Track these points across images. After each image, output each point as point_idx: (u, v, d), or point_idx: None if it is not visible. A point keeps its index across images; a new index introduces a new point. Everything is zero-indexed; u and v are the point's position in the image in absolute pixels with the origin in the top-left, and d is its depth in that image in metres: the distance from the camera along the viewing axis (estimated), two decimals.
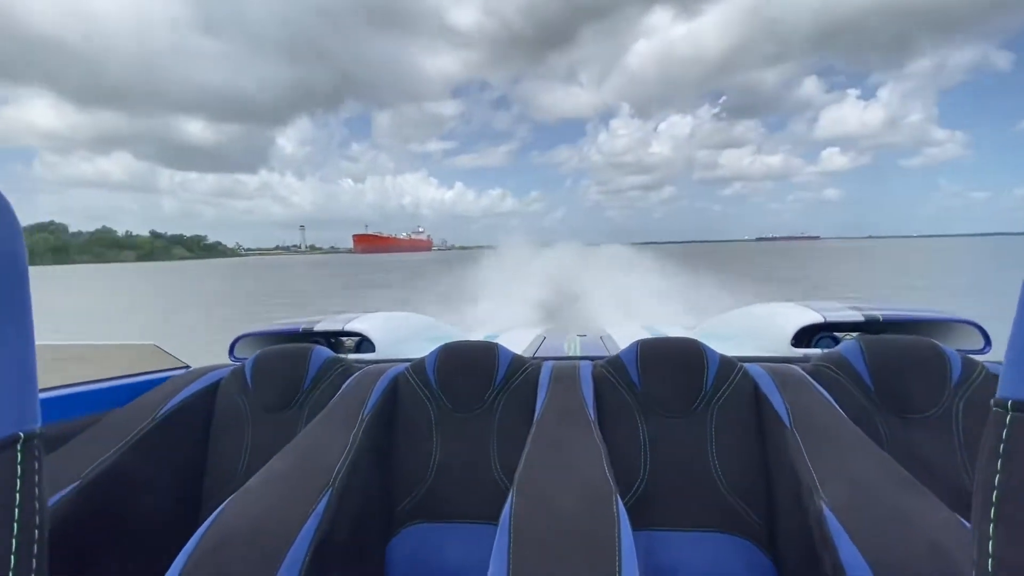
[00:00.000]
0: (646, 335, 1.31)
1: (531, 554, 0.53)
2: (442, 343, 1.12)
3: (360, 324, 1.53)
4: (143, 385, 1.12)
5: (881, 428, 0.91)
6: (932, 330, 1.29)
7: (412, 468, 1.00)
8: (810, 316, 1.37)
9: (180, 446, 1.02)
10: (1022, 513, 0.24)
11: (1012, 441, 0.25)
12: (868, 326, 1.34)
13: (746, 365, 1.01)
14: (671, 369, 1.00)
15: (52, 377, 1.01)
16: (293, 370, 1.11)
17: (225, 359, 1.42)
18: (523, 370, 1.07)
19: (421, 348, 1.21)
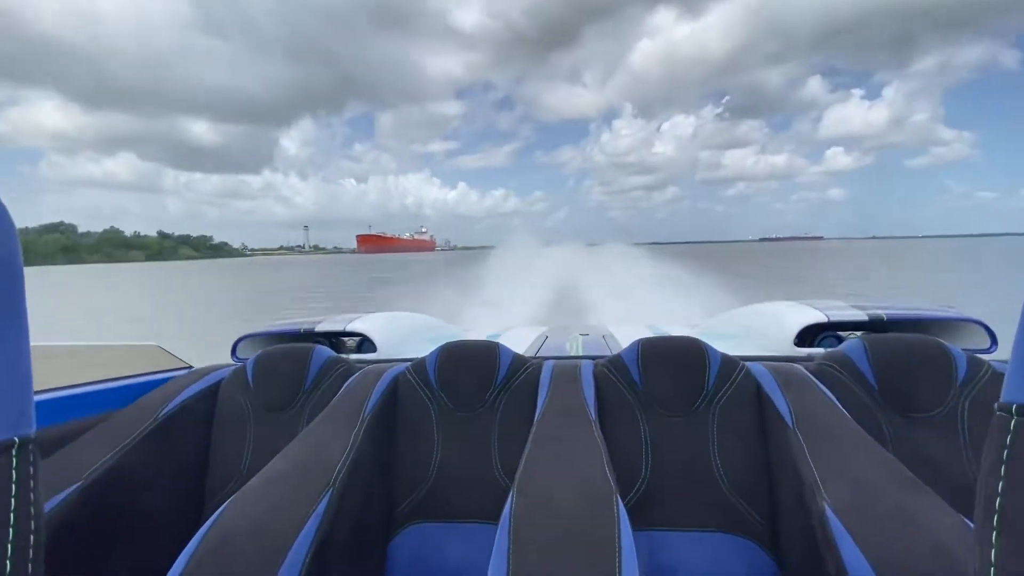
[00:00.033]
0: (649, 334, 1.32)
1: (531, 554, 0.54)
2: (443, 343, 1.12)
3: (361, 324, 1.53)
4: (146, 385, 1.12)
5: (885, 428, 0.91)
6: (937, 329, 1.28)
7: (413, 468, 1.00)
8: (813, 315, 1.36)
9: (182, 446, 1.03)
10: None
11: (1016, 447, 0.25)
12: (872, 325, 1.33)
13: (748, 364, 1.01)
14: (672, 368, 1.00)
15: (56, 378, 1.01)
16: (294, 370, 1.12)
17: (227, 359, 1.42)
18: (524, 369, 1.07)
19: (422, 348, 1.21)
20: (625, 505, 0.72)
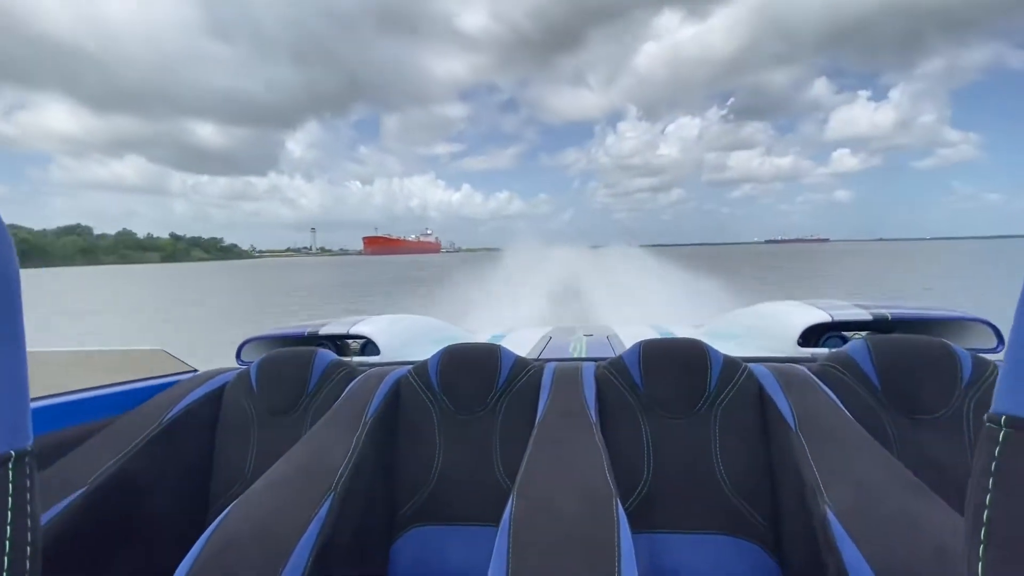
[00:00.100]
0: (653, 334, 1.38)
1: (531, 557, 0.54)
2: (445, 345, 1.13)
3: (365, 327, 1.55)
4: (151, 390, 1.13)
5: (889, 429, 0.90)
6: (942, 329, 1.28)
7: (415, 471, 1.01)
8: (817, 315, 1.36)
9: (187, 449, 1.03)
10: (1014, 535, 0.23)
11: (1005, 459, 0.24)
12: (877, 325, 1.33)
13: (751, 365, 1.00)
14: (674, 370, 1.00)
15: (63, 383, 1.02)
16: (297, 373, 1.13)
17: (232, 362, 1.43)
18: (525, 372, 1.08)
19: (425, 350, 1.21)
20: (627, 507, 0.81)
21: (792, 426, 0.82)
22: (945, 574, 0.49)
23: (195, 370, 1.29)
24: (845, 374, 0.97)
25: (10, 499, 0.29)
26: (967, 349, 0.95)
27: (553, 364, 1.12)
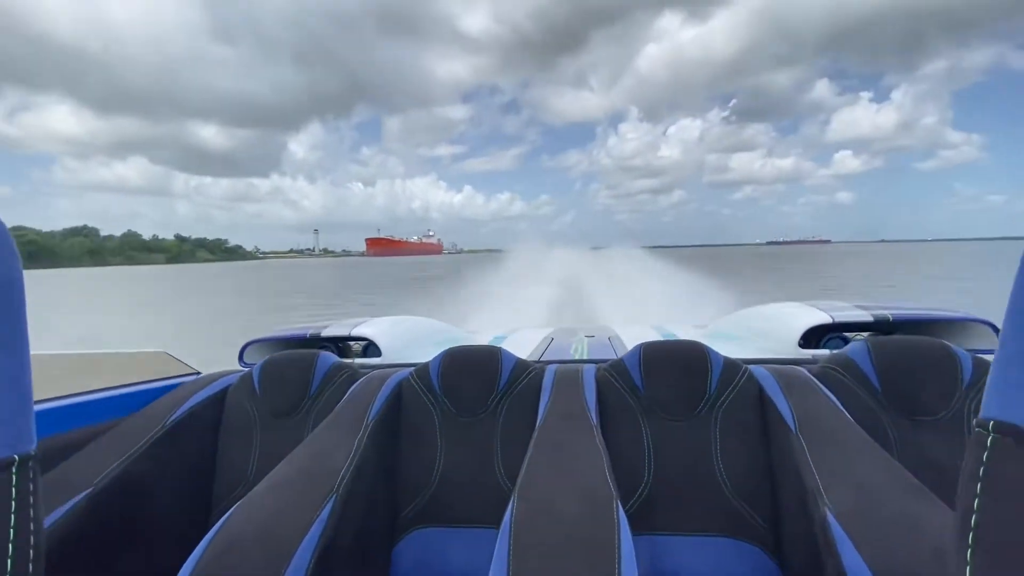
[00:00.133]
0: (655, 335, 1.42)
1: (531, 559, 0.54)
2: (447, 347, 1.13)
3: (367, 329, 1.56)
4: (154, 392, 1.14)
5: (890, 431, 0.91)
6: (944, 330, 1.28)
7: (416, 473, 1.01)
8: (818, 316, 1.36)
9: (190, 452, 1.04)
10: (1001, 540, 0.23)
11: (992, 464, 0.25)
12: (878, 326, 1.33)
13: (751, 367, 1.01)
14: (674, 372, 1.00)
15: (66, 386, 1.02)
16: (299, 376, 1.13)
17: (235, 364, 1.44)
18: (526, 374, 1.08)
19: (427, 352, 1.22)
20: (628, 509, 0.82)
21: (792, 428, 0.82)
22: None
23: (198, 372, 1.30)
24: (845, 376, 0.98)
25: (13, 503, 0.30)
26: (969, 350, 0.95)
27: (554, 366, 1.13)
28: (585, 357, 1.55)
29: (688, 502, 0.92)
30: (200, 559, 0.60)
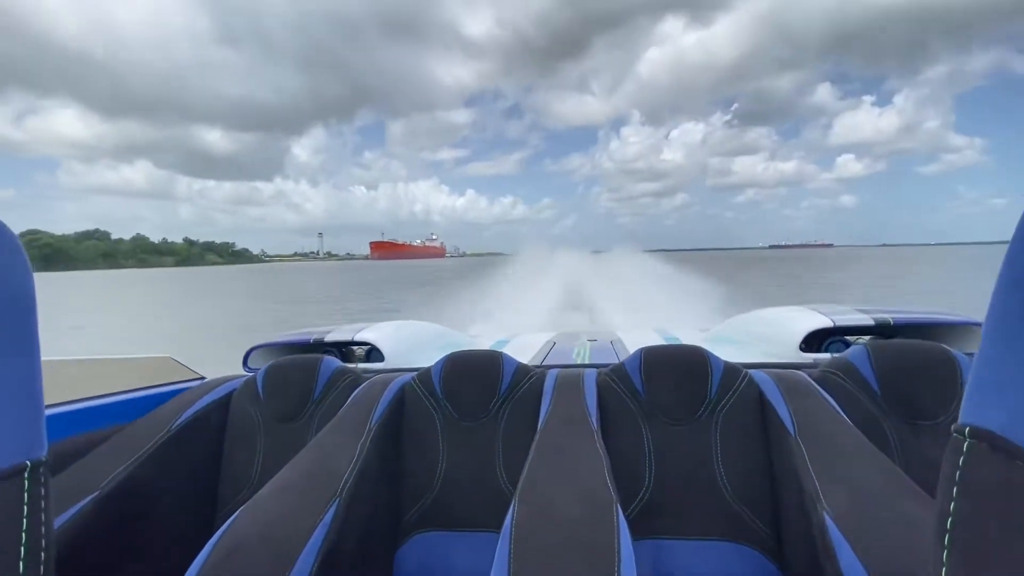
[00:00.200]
0: (657, 339, 1.44)
1: (531, 562, 0.55)
2: (449, 352, 1.14)
3: (370, 334, 1.57)
4: (159, 397, 1.16)
5: (890, 435, 0.91)
6: (945, 333, 1.28)
7: (419, 477, 1.02)
8: (819, 320, 1.36)
9: (195, 456, 1.05)
10: (974, 542, 0.24)
11: (967, 468, 0.25)
12: (879, 330, 1.33)
13: (751, 372, 1.01)
14: (675, 376, 1.01)
15: (73, 391, 1.04)
16: (303, 381, 1.15)
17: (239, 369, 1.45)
18: (528, 379, 1.09)
19: (429, 357, 1.23)
20: (629, 514, 0.82)
21: (792, 432, 0.83)
22: None
23: (202, 377, 1.32)
24: (845, 380, 0.99)
25: (25, 507, 0.30)
26: (970, 354, 0.96)
27: (555, 371, 1.14)
28: (587, 361, 1.55)
29: (689, 506, 0.93)
30: (205, 562, 0.61)
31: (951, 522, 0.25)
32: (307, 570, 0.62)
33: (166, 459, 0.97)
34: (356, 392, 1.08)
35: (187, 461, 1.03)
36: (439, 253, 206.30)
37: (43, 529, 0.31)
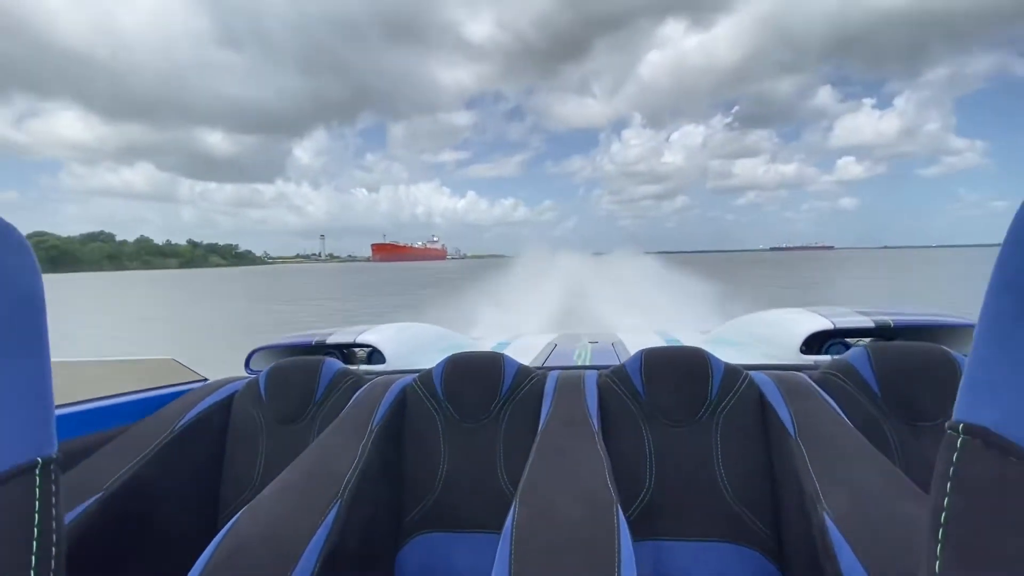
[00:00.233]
0: (659, 341, 1.44)
1: (532, 563, 0.55)
2: (450, 353, 1.15)
3: (371, 336, 1.58)
4: (162, 398, 1.16)
5: (890, 437, 0.91)
6: (946, 335, 1.28)
7: (420, 478, 1.02)
8: (819, 322, 1.37)
9: (198, 457, 1.06)
10: (967, 537, 0.25)
11: (962, 464, 0.26)
12: (879, 332, 1.34)
13: (752, 373, 1.01)
14: (675, 378, 1.01)
15: (77, 392, 1.05)
16: (305, 382, 1.15)
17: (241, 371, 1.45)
18: (529, 380, 1.10)
19: (431, 358, 1.23)
20: (630, 515, 0.83)
21: (792, 434, 0.83)
22: None
23: (205, 379, 1.33)
24: (846, 382, 0.99)
25: (37, 503, 0.31)
26: (966, 355, 0.98)
27: (556, 373, 1.14)
28: (588, 363, 1.56)
29: (690, 507, 0.93)
30: (208, 562, 0.61)
31: (945, 517, 0.26)
32: (309, 571, 0.62)
33: (169, 460, 0.98)
34: (358, 394, 1.09)
35: (190, 462, 1.04)
36: (440, 255, 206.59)
37: (54, 524, 0.32)
